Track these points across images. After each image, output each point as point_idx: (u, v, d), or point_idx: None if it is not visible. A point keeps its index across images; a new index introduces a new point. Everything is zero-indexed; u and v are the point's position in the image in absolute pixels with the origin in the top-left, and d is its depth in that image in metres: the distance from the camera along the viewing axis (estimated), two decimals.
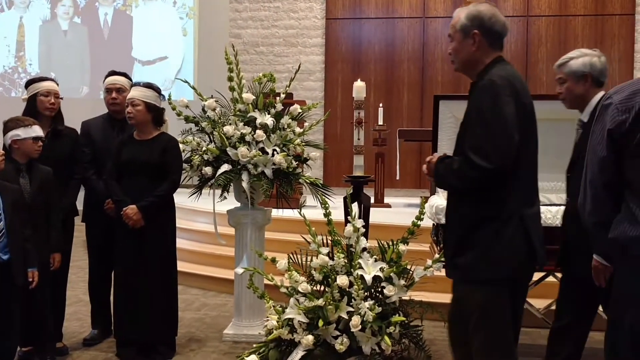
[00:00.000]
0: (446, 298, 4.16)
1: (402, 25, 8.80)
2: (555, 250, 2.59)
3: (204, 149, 3.49)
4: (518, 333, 2.20)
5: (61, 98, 3.40)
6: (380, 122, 7.06)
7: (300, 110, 3.63)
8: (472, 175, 1.95)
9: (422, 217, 3.37)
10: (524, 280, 2.15)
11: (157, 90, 3.37)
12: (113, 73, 3.61)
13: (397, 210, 6.49)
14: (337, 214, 3.69)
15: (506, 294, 2.02)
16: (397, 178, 7.21)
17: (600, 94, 2.56)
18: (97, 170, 3.47)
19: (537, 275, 3.32)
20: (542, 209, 2.94)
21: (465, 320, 2.10)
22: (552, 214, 3.27)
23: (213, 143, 3.56)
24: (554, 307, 3.02)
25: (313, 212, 3.81)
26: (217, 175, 3.44)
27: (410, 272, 3.31)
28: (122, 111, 3.43)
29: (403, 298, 3.30)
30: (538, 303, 3.77)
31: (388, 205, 6.87)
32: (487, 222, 1.98)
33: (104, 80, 3.60)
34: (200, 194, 3.62)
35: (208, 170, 3.45)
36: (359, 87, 3.77)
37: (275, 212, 4.00)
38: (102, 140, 3.45)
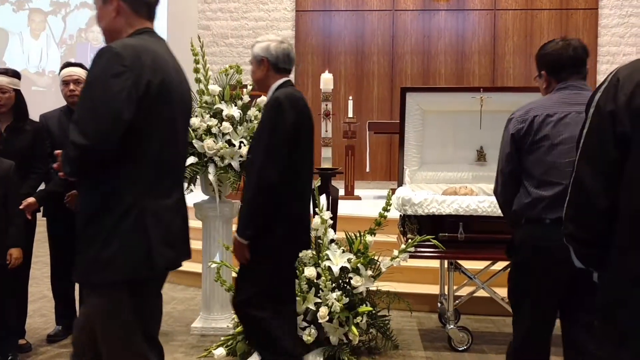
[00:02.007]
0: (413, 288, 4.23)
1: (371, 17, 8.82)
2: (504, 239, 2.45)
3: None
4: (157, 331, 1.96)
5: (15, 90, 3.28)
6: (350, 115, 7.08)
7: None
8: (72, 155, 1.69)
9: (388, 208, 3.41)
10: (152, 280, 1.86)
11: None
12: (68, 64, 3.53)
13: (367, 202, 6.52)
14: None
15: (127, 297, 1.76)
16: (367, 170, 7.25)
17: (282, 80, 2.53)
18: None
19: (502, 264, 3.39)
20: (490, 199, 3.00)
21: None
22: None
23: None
24: None
25: None
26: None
27: (378, 262, 3.34)
28: None
29: (370, 288, 3.33)
30: (502, 292, 3.84)
31: (358, 197, 6.90)
32: (101, 217, 1.72)
33: (59, 72, 3.51)
34: None
35: None
36: (327, 79, 3.76)
37: None
38: (60, 134, 3.38)
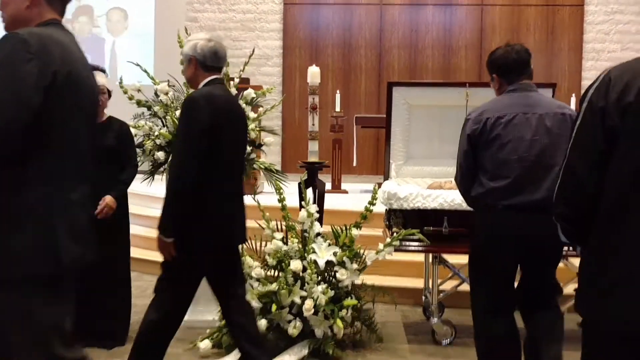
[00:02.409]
0: (398, 281, 4.27)
1: (359, 11, 8.81)
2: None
3: (156, 133, 3.44)
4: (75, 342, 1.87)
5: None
6: (338, 109, 7.09)
7: (254, 95, 3.60)
8: None
9: (374, 202, 3.43)
10: (60, 279, 1.77)
11: (104, 72, 3.32)
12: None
13: (354, 195, 6.55)
14: (293, 200, 3.71)
15: (35, 295, 1.69)
16: (354, 164, 7.28)
17: (210, 78, 2.53)
18: None
19: None
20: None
21: None
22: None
23: (166, 127, 3.51)
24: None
25: (270, 197, 3.81)
26: (169, 160, 3.39)
27: (363, 256, 3.37)
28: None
29: (355, 282, 3.36)
30: None
31: (345, 191, 6.93)
32: (7, 208, 1.67)
33: None
34: (153, 179, 3.57)
35: (160, 155, 3.40)
36: (314, 73, 3.77)
37: None
38: None
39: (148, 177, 3.55)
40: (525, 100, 2.49)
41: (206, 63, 2.51)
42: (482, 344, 2.56)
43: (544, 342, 2.49)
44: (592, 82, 1.54)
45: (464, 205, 3.17)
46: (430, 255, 3.58)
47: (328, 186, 7.00)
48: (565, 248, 2.71)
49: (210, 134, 2.39)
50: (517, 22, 8.69)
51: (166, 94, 3.55)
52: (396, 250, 3.35)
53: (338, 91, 7.38)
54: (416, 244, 3.34)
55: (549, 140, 2.43)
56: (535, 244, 2.44)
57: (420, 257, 4.02)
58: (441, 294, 3.59)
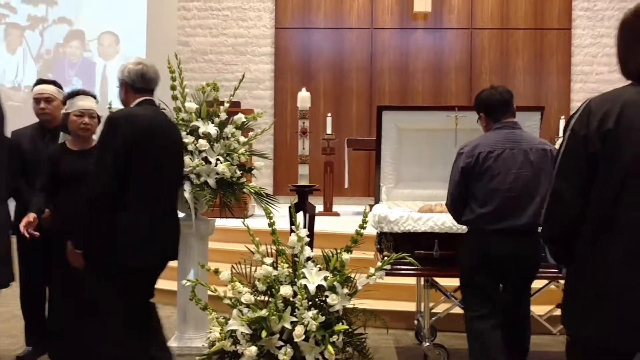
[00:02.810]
0: (390, 305, 4.24)
1: (350, 35, 8.91)
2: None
3: None
4: None
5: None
6: (329, 131, 7.11)
7: (244, 120, 3.61)
8: None
9: (365, 226, 3.41)
10: None
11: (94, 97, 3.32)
12: (41, 82, 3.49)
13: (346, 218, 6.54)
14: (285, 223, 3.69)
15: None
16: (346, 186, 7.28)
17: (139, 99, 2.69)
18: (27, 181, 3.34)
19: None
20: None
21: None
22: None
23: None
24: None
25: (261, 221, 3.79)
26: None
27: (354, 280, 3.34)
28: (53, 120, 3.36)
29: (347, 306, 3.32)
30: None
31: (337, 214, 6.91)
32: None
33: (32, 89, 3.47)
34: None
35: None
36: (304, 97, 3.79)
37: (220, 222, 3.97)
38: (32, 151, 3.34)
39: None
40: (511, 137, 2.80)
41: (135, 85, 2.67)
42: (472, 338, 2.90)
43: (516, 351, 2.89)
44: (574, 111, 1.62)
45: (455, 229, 3.18)
46: (422, 278, 3.55)
47: (320, 208, 7.00)
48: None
49: (128, 152, 2.50)
50: (506, 45, 8.80)
51: None
52: (387, 274, 3.32)
53: (329, 114, 7.41)
54: (407, 267, 3.32)
55: (531, 173, 2.72)
56: (520, 263, 2.77)
57: (412, 281, 4.00)
58: (433, 318, 3.56)
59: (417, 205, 3.88)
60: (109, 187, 2.48)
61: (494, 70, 8.79)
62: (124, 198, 2.51)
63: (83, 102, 3.17)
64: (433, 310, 3.65)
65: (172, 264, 4.26)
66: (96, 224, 2.51)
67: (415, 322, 3.96)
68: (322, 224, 5.64)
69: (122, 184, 2.50)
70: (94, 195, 2.51)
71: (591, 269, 1.54)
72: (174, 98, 3.60)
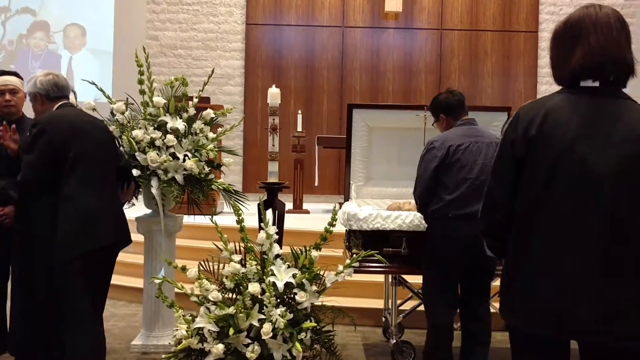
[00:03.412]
0: (358, 302, 4.25)
1: (322, 33, 8.90)
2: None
3: None
4: None
5: None
6: (299, 129, 7.09)
7: (213, 115, 3.57)
8: None
9: (334, 223, 3.42)
10: None
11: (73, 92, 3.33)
12: (3, 73, 3.40)
13: (316, 216, 6.54)
14: (254, 221, 3.67)
15: None
16: (316, 184, 7.27)
17: (57, 105, 2.83)
18: None
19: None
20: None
21: None
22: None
23: (122, 147, 3.44)
24: None
25: (230, 218, 3.76)
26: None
27: (323, 277, 3.34)
28: (16, 113, 3.27)
29: (315, 304, 3.32)
30: None
31: (307, 211, 6.91)
32: None
33: None
34: None
35: None
36: (274, 94, 3.76)
37: (188, 219, 3.92)
38: None
39: None
40: (473, 132, 3.04)
41: (50, 95, 2.82)
42: (433, 329, 3.05)
43: (476, 345, 2.99)
44: (508, 118, 1.73)
45: (422, 227, 3.22)
46: (390, 276, 3.58)
47: (290, 206, 6.98)
48: None
49: (53, 150, 2.64)
50: (475, 47, 8.92)
51: (122, 113, 3.49)
52: (356, 271, 3.33)
53: (300, 111, 7.39)
54: (376, 264, 3.34)
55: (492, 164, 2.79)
56: (479, 247, 2.70)
57: (380, 278, 4.03)
58: (401, 315, 3.59)
59: (386, 203, 3.90)
60: (36, 180, 2.68)
61: (462, 71, 8.90)
62: (65, 188, 2.63)
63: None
64: (400, 308, 3.68)
65: (138, 260, 4.20)
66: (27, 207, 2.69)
67: (383, 319, 3.99)
68: (292, 222, 5.62)
69: (61, 176, 2.63)
70: (23, 198, 2.75)
71: (517, 263, 1.67)
72: (142, 92, 3.53)
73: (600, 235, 1.55)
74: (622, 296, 1.55)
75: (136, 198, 3.46)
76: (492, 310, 3.15)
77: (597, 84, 1.65)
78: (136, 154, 3.35)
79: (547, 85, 8.79)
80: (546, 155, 1.62)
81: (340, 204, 3.75)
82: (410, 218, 3.27)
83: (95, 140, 2.82)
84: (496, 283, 3.44)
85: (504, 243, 1.73)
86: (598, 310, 1.55)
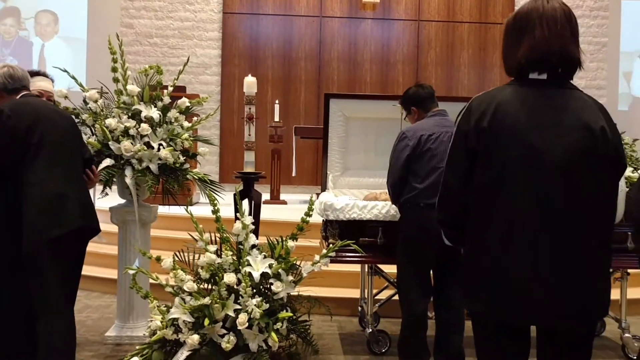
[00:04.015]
0: (335, 292, 4.27)
1: (299, 23, 8.85)
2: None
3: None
4: None
5: None
6: (277, 119, 7.06)
7: (188, 104, 3.53)
8: None
9: (310, 213, 3.41)
10: None
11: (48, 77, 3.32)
12: None
13: (293, 206, 6.53)
14: (230, 211, 3.65)
15: None
16: (294, 175, 7.26)
17: (19, 95, 2.80)
18: None
19: None
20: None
21: None
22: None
23: (95, 136, 3.38)
24: None
25: (206, 209, 3.74)
26: (98, 170, 3.26)
27: (299, 267, 3.34)
28: None
29: (291, 294, 3.32)
30: None
31: (284, 202, 6.90)
32: None
33: None
34: None
35: None
36: (250, 83, 3.73)
37: (163, 209, 3.88)
38: None
39: None
40: (444, 122, 3.11)
41: (7, 87, 2.78)
42: (407, 317, 3.06)
43: (450, 334, 3.03)
44: (461, 109, 1.77)
45: (398, 217, 3.23)
46: (366, 265, 3.59)
47: (267, 197, 6.95)
48: None
49: (16, 136, 2.61)
50: (452, 38, 8.97)
51: (95, 101, 3.42)
52: (332, 261, 3.34)
53: (277, 101, 7.35)
54: (352, 254, 3.35)
55: None
56: None
57: (356, 268, 4.04)
58: (377, 304, 3.61)
59: (362, 194, 3.91)
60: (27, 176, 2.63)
61: (439, 63, 8.95)
62: (30, 175, 2.60)
63: (41, 83, 3.20)
64: (377, 297, 3.70)
65: (112, 251, 4.14)
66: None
67: (359, 308, 4.01)
68: (269, 212, 5.61)
69: (23, 164, 2.60)
70: None
71: (475, 252, 1.70)
72: (115, 80, 3.47)
73: (551, 222, 1.60)
74: (573, 281, 1.61)
75: (109, 187, 3.40)
76: None
77: (544, 76, 1.68)
78: (110, 142, 3.30)
79: None
80: (497, 146, 1.65)
81: (318, 195, 3.75)
82: (386, 208, 3.29)
83: (59, 127, 2.78)
84: None
85: (462, 232, 1.76)
86: (552, 295, 1.60)
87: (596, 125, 1.63)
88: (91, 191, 3.42)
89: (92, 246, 5.08)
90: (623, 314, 3.53)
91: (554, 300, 1.61)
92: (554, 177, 1.60)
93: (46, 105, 2.86)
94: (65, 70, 3.49)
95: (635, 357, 3.49)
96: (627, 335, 3.54)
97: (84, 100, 3.47)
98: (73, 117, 3.13)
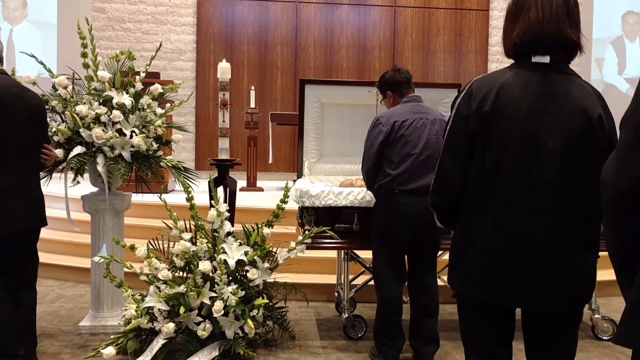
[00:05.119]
0: (311, 278, 4.28)
1: (275, 8, 8.77)
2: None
3: (54, 129, 3.23)
4: None
5: None
6: (252, 105, 7.01)
7: (161, 90, 3.47)
8: None
9: (286, 200, 3.41)
10: None
11: None
12: None
13: (270, 194, 6.51)
14: (206, 199, 3.62)
15: None
16: (270, 162, 7.23)
17: None
18: None
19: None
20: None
21: None
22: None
23: (65, 123, 3.31)
24: None
25: (180, 196, 3.70)
26: (68, 158, 3.20)
27: (275, 254, 3.33)
28: None
29: (268, 280, 3.32)
30: None
31: (261, 189, 6.87)
32: None
33: None
34: (51, 178, 3.35)
35: (59, 152, 3.19)
36: (224, 68, 3.69)
37: (136, 197, 3.83)
38: None
39: (45, 176, 3.33)
40: (419, 109, 3.11)
41: None
42: (383, 302, 3.07)
43: (424, 318, 3.06)
44: (460, 91, 1.76)
45: (373, 203, 3.24)
46: (342, 251, 3.60)
47: (243, 184, 6.92)
48: None
49: None
50: (428, 24, 8.98)
51: (65, 87, 3.35)
52: (308, 247, 3.35)
53: (253, 87, 7.29)
54: (328, 241, 3.35)
55: (437, 140, 3.00)
56: (425, 221, 2.84)
57: (332, 254, 4.05)
58: (353, 290, 3.63)
59: (338, 180, 3.91)
60: None
61: (415, 48, 8.95)
62: None
63: None
64: (353, 283, 3.72)
65: (86, 240, 4.09)
66: None
67: (336, 294, 4.03)
68: (246, 199, 5.58)
69: None
70: None
71: (468, 234, 1.71)
72: (85, 66, 3.40)
73: (546, 208, 1.63)
74: (563, 265, 1.65)
75: (81, 176, 3.34)
76: (440, 283, 3.22)
77: (546, 59, 1.68)
78: (80, 130, 3.23)
79: (497, 64, 8.96)
80: (498, 130, 1.65)
81: (294, 181, 3.74)
82: (362, 194, 3.29)
83: (14, 114, 2.65)
84: (445, 256, 3.53)
85: (454, 215, 1.78)
86: (543, 279, 1.64)
87: (594, 113, 1.65)
88: (62, 179, 3.37)
89: (65, 235, 5.05)
90: (593, 296, 3.61)
91: (544, 283, 1.64)
92: (549, 163, 1.62)
93: (7, 87, 2.68)
94: (32, 56, 3.41)
95: (606, 338, 3.57)
96: (597, 316, 3.62)
97: (53, 87, 3.39)
98: (42, 101, 3.00)
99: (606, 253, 1.28)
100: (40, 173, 2.99)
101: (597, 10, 9.17)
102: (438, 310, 3.12)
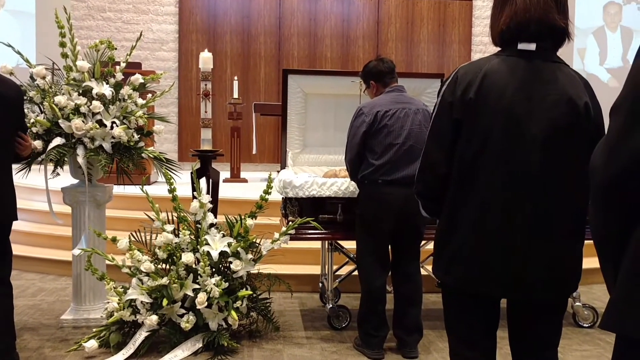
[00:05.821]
0: (295, 269, 4.28)
1: None
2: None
3: (32, 120, 3.17)
4: None
5: None
6: (236, 96, 6.95)
7: (142, 81, 3.42)
8: None
9: (269, 191, 3.39)
10: None
11: None
12: None
13: (254, 185, 6.48)
14: (188, 190, 3.59)
15: None
16: (254, 152, 7.19)
17: None
18: None
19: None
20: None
21: None
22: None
23: (43, 114, 3.25)
24: None
25: (163, 188, 3.67)
26: (48, 149, 3.15)
27: (259, 245, 3.32)
28: None
29: (251, 272, 3.31)
30: None
31: (244, 180, 6.84)
32: None
33: None
34: (30, 170, 3.29)
35: (37, 144, 3.14)
36: (206, 58, 3.64)
37: (118, 189, 3.79)
38: None
39: (24, 168, 3.27)
40: (402, 99, 3.12)
41: None
42: (366, 292, 3.10)
43: (408, 308, 3.09)
44: (446, 78, 1.74)
45: (357, 193, 3.24)
46: (326, 242, 3.60)
47: (227, 175, 6.88)
48: None
49: None
50: (412, 14, 8.97)
51: (43, 77, 3.29)
52: (292, 238, 3.34)
53: (236, 78, 7.24)
54: (312, 231, 3.35)
55: (420, 130, 3.02)
56: (408, 211, 2.91)
57: (316, 245, 4.05)
58: (337, 280, 3.63)
59: (322, 171, 3.90)
60: None
61: (399, 38, 8.94)
62: None
63: None
64: (337, 273, 3.72)
65: (67, 232, 4.04)
66: None
67: (320, 284, 4.03)
68: (230, 191, 5.55)
69: None
70: None
71: (452, 223, 1.70)
72: (64, 56, 3.34)
73: (530, 196, 1.62)
74: (548, 254, 1.64)
75: (61, 167, 3.29)
76: (423, 272, 3.23)
77: (532, 47, 1.67)
78: (59, 121, 3.18)
79: (480, 54, 8.98)
80: (483, 117, 1.63)
81: (278, 172, 3.72)
82: (345, 185, 3.29)
83: None
84: (429, 246, 3.54)
85: (439, 204, 1.75)
86: (527, 268, 1.63)
87: (580, 101, 1.63)
88: (41, 172, 3.31)
89: (45, 228, 4.99)
90: None
91: (529, 273, 1.63)
92: (533, 151, 1.60)
93: None
94: (9, 45, 3.34)
95: (586, 326, 3.62)
96: (577, 304, 3.67)
97: (31, 77, 3.32)
98: (19, 90, 2.91)
99: (590, 241, 1.28)
100: (17, 165, 2.93)
101: (580, 0, 9.23)
102: (421, 299, 3.13)
